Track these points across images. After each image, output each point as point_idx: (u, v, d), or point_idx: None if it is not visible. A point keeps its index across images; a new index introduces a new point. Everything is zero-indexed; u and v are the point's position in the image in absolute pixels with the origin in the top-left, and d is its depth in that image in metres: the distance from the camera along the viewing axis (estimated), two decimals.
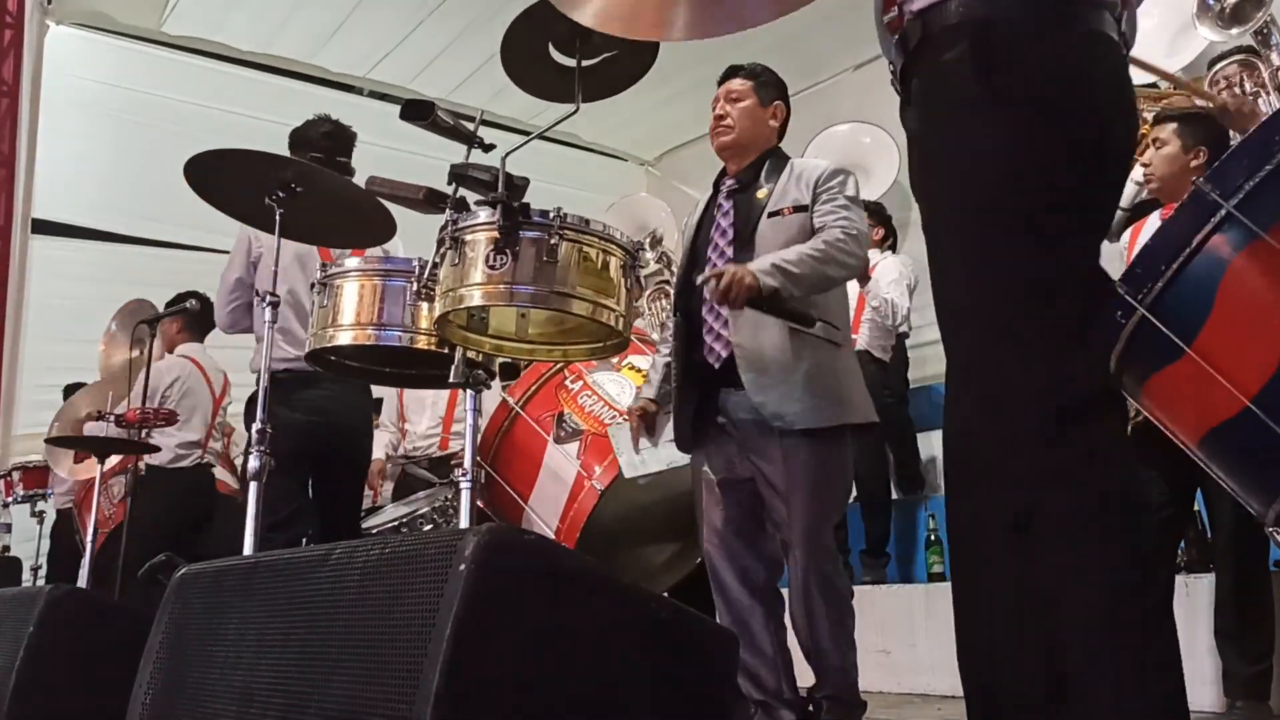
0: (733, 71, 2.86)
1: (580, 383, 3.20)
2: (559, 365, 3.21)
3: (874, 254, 4.89)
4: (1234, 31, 3.43)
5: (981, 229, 1.39)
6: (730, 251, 2.64)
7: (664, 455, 2.92)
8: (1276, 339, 1.11)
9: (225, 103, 6.55)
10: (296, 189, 2.51)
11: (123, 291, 4.92)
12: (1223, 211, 1.12)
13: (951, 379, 1.46)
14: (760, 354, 2.55)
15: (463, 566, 1.29)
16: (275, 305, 2.52)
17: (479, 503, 3.05)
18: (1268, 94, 3.14)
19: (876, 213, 5.19)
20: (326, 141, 3.42)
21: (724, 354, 2.60)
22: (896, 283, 4.76)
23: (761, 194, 2.69)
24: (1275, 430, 1.12)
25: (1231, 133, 2.84)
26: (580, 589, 1.43)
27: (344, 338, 2.42)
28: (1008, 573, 1.32)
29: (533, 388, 3.24)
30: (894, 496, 5.23)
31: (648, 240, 5.66)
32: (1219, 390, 1.16)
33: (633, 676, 1.48)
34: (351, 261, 2.46)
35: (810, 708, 2.56)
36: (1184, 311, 1.19)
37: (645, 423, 2.81)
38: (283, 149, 3.21)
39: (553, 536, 2.96)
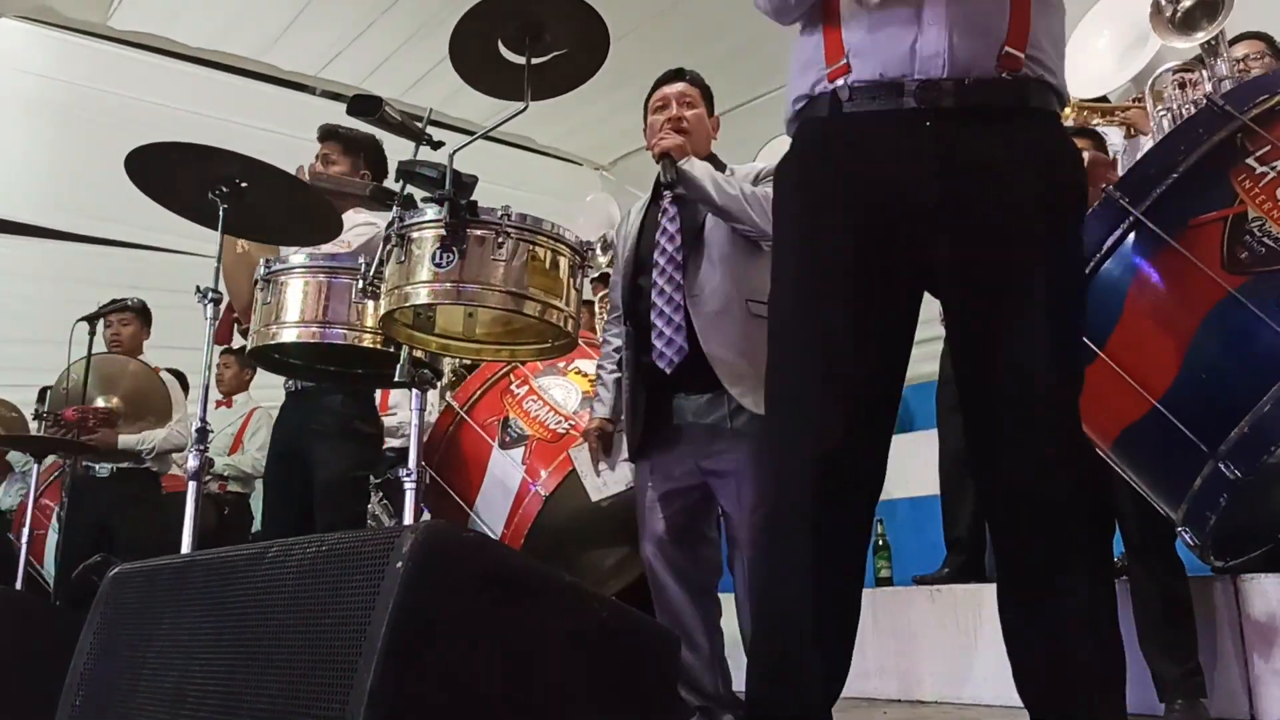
0: (678, 75, 2.84)
1: (526, 388, 3.18)
2: (505, 370, 3.18)
3: None
4: (1183, 44, 3.42)
5: None
6: (679, 256, 2.64)
7: (624, 475, 2.89)
8: (1180, 341, 1.13)
9: (173, 100, 6.42)
10: (241, 184, 2.47)
11: (68, 291, 4.80)
12: (1131, 218, 1.13)
13: None
14: (726, 350, 2.53)
15: (400, 564, 1.28)
16: (217, 302, 2.49)
17: (424, 507, 3.04)
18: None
19: None
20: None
21: (675, 358, 2.58)
22: None
23: None
24: (1181, 430, 1.14)
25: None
26: (521, 588, 1.42)
27: (287, 335, 2.39)
28: None
29: (477, 392, 3.21)
30: None
31: (599, 244, 5.63)
32: (1129, 392, 1.17)
33: (574, 676, 1.48)
34: (296, 258, 2.43)
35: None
36: (1096, 315, 1.18)
37: (603, 443, 2.79)
38: (233, 146, 3.12)
39: None
